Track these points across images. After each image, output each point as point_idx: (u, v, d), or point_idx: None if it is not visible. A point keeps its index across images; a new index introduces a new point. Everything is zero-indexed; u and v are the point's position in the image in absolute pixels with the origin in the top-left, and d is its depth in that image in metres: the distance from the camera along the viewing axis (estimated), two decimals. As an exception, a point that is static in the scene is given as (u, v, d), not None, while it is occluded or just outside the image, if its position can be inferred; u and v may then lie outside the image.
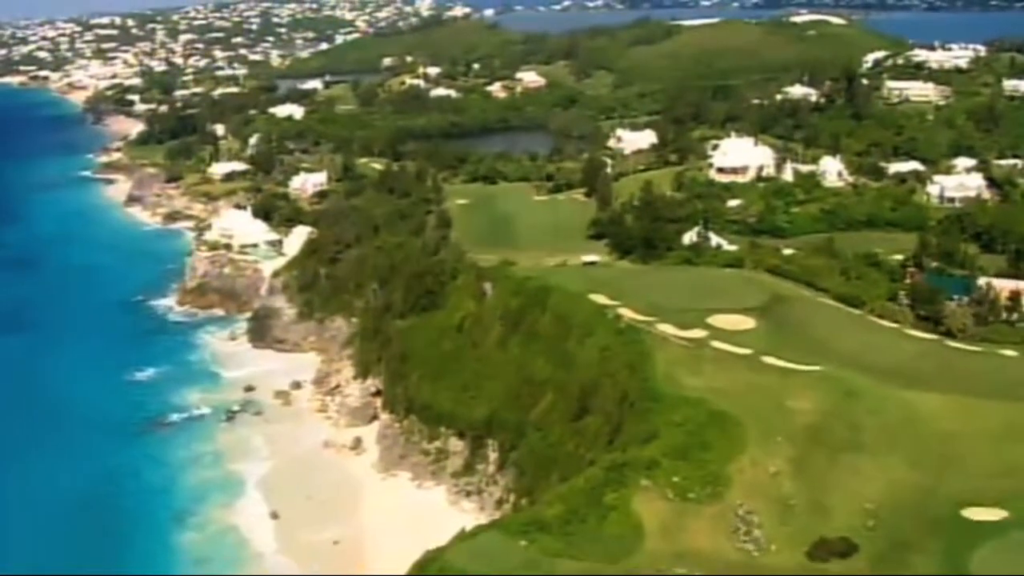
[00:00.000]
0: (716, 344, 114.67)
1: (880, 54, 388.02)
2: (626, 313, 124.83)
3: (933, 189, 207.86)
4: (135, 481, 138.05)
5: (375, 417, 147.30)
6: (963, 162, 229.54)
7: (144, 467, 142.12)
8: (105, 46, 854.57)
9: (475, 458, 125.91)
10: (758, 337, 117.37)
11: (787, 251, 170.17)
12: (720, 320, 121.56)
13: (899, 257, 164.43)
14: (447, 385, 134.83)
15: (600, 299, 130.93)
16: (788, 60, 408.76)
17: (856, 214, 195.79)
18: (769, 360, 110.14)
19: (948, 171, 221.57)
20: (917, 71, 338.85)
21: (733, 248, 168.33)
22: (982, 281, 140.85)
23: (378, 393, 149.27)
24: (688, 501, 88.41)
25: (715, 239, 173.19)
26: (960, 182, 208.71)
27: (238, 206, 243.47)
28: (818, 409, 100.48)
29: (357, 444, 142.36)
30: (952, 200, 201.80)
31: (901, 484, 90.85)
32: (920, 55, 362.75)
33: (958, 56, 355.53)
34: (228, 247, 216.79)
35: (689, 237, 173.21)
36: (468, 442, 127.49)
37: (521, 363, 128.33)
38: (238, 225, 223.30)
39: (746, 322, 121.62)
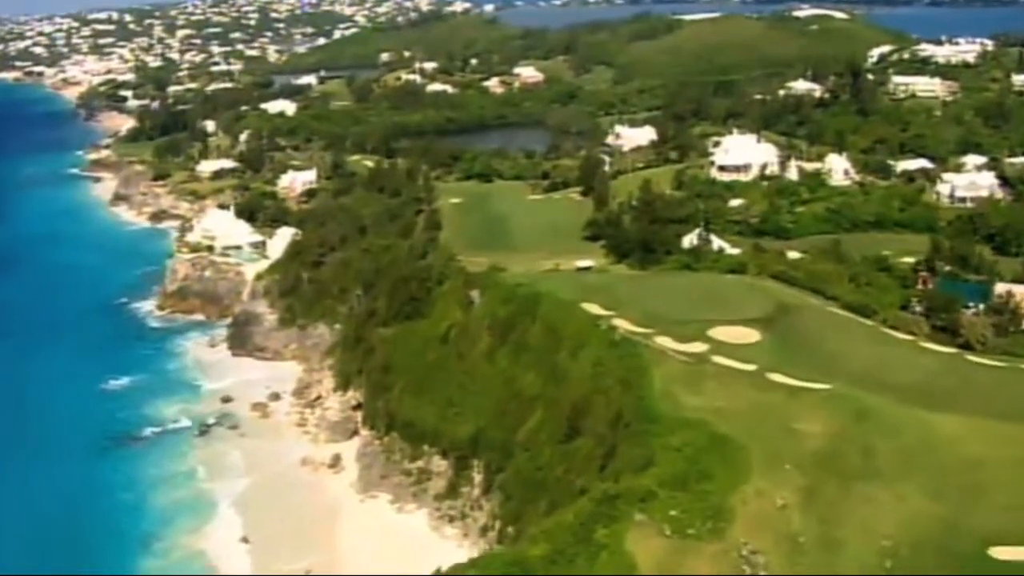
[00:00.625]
0: (718, 359, 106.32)
1: (885, 48, 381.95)
2: (621, 324, 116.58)
3: (943, 188, 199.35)
4: (101, 501, 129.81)
5: (356, 432, 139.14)
6: (973, 160, 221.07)
7: (112, 486, 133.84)
8: (102, 41, 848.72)
9: (459, 480, 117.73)
10: (763, 351, 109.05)
11: (792, 254, 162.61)
12: (722, 332, 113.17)
13: (909, 260, 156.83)
14: (431, 399, 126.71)
15: (594, 308, 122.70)
16: (790, 55, 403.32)
17: (863, 214, 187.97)
18: (775, 377, 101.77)
19: (958, 169, 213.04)
20: (923, 66, 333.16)
21: (735, 252, 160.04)
22: (1000, 288, 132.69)
23: (359, 406, 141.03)
24: (687, 538, 79.95)
25: (717, 242, 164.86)
26: (971, 181, 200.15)
27: (222, 206, 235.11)
28: (829, 432, 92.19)
29: (336, 462, 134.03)
30: (963, 200, 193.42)
31: (921, 517, 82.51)
32: (926, 49, 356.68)
33: (965, 50, 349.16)
34: (210, 249, 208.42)
35: (689, 240, 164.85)
36: (452, 462, 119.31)
37: (509, 377, 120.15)
38: (221, 226, 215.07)
39: (750, 334, 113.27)
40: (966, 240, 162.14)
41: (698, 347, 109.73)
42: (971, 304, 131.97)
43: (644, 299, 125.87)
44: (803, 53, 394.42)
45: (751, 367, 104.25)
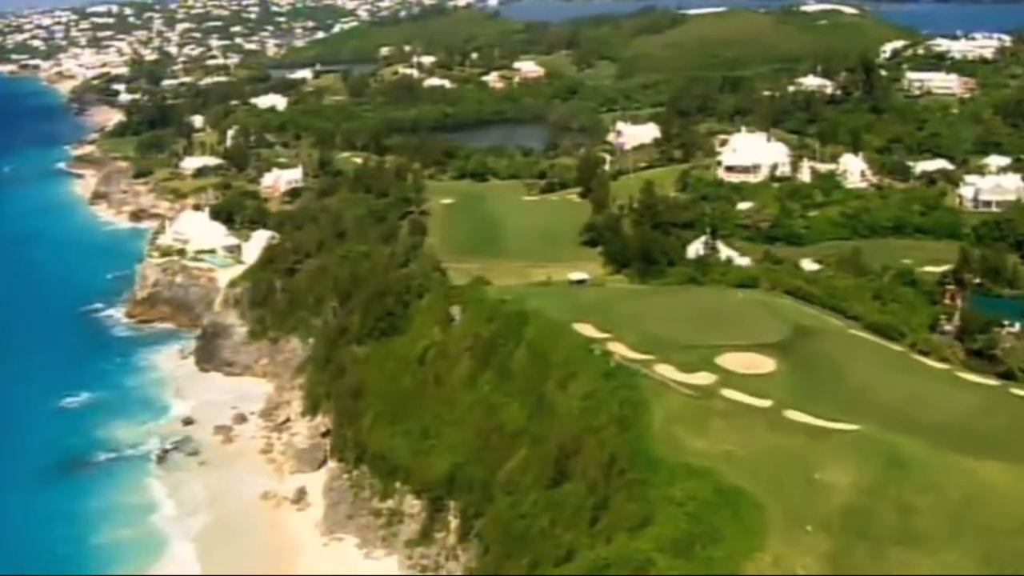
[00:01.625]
0: (727, 393, 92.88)
1: (898, 44, 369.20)
2: (617, 349, 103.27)
3: (966, 191, 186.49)
4: (38, 537, 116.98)
5: (324, 462, 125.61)
6: (996, 160, 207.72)
7: (53, 519, 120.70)
8: (101, 35, 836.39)
9: (433, 523, 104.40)
10: (779, 383, 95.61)
11: (805, 262, 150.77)
12: (732, 360, 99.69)
13: (932, 270, 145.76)
14: (405, 429, 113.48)
15: (587, 330, 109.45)
16: (799, 50, 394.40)
17: (881, 219, 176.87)
18: (793, 415, 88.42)
19: (980, 171, 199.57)
20: (939, 62, 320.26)
21: (745, 262, 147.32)
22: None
23: (328, 433, 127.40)
24: (691, 620, 66.95)
25: (724, 251, 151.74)
26: (996, 183, 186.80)
27: (197, 207, 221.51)
28: (857, 484, 78.89)
29: (300, 497, 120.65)
30: (988, 204, 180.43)
31: (969, 592, 69.47)
32: (941, 45, 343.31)
33: (983, 46, 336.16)
34: (182, 253, 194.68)
35: (695, 248, 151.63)
36: (426, 503, 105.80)
37: (491, 407, 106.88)
38: (194, 228, 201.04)
39: (764, 363, 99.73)
40: (998, 249, 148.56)
41: (704, 378, 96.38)
42: (1006, 322, 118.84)
43: (643, 319, 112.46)
44: (812, 48, 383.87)
45: (765, 403, 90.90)
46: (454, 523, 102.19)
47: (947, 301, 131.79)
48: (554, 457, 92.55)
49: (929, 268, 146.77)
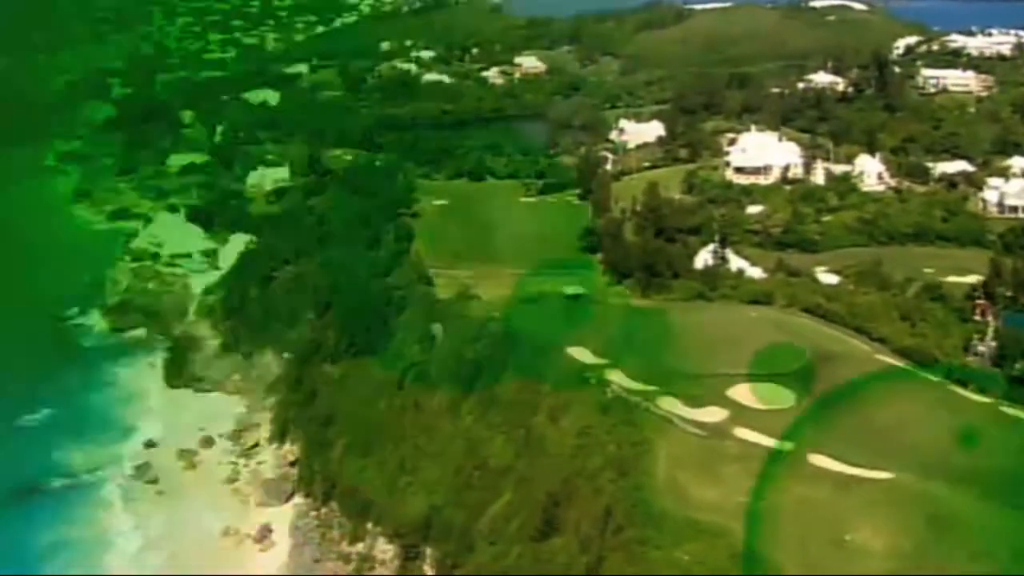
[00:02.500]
0: (741, 432, 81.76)
1: (912, 40, 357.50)
2: (616, 378, 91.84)
3: (990, 195, 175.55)
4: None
5: (292, 494, 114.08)
6: (1020, 163, 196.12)
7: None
8: (100, 29, 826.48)
9: (407, 572, 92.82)
10: (800, 421, 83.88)
11: (821, 272, 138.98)
12: (746, 392, 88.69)
13: (957, 280, 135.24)
14: (379, 461, 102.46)
15: (582, 354, 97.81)
16: (808, 47, 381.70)
17: (901, 225, 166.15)
18: (818, 460, 77.20)
19: (1004, 173, 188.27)
20: (955, 58, 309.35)
21: (757, 273, 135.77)
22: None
23: (297, 462, 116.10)
24: None
25: (734, 261, 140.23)
26: (1022, 187, 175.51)
27: (172, 208, 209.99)
28: (895, 548, 67.78)
29: (264, 535, 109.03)
30: (1014, 209, 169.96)
31: None
32: (957, 41, 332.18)
33: (1000, 42, 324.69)
34: (156, 257, 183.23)
35: (702, 258, 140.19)
36: (399, 550, 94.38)
37: (474, 440, 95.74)
38: (169, 231, 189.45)
39: (782, 396, 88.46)
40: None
41: (715, 413, 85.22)
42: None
43: (646, 343, 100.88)
44: (821, 44, 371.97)
45: (785, 445, 79.17)
46: (430, 573, 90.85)
47: (977, 317, 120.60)
48: (543, 504, 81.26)
49: (953, 278, 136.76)
